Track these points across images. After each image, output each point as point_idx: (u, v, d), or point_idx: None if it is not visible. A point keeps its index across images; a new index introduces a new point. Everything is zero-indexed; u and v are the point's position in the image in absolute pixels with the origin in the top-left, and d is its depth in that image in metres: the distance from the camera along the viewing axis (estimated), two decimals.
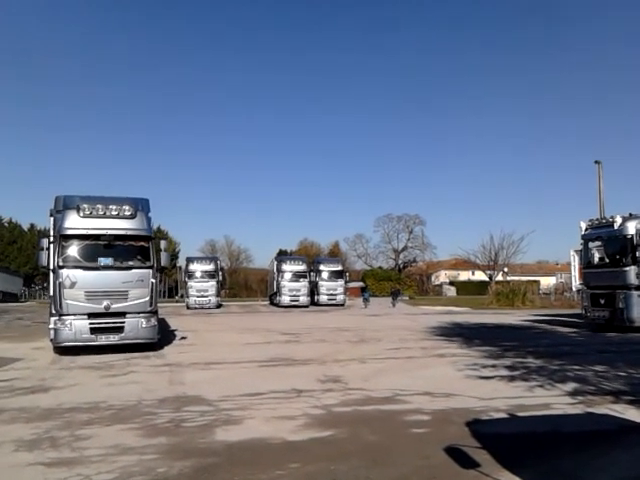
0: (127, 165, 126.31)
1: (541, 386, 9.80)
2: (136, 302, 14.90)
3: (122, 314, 14.80)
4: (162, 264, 16.16)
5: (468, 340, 17.55)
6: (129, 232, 15.23)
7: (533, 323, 25.45)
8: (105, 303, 14.57)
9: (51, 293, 15.26)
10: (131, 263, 15.28)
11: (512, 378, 10.61)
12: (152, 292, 15.17)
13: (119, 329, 14.76)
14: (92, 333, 14.49)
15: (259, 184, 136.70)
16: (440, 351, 15.12)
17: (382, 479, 5.24)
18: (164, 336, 18.57)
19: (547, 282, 71.72)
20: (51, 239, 15.29)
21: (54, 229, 15.52)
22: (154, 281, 15.33)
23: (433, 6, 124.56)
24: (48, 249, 14.99)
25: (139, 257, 15.49)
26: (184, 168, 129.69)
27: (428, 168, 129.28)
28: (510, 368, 11.82)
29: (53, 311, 14.65)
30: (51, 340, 14.75)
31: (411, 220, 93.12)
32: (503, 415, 7.71)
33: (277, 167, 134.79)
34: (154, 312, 15.44)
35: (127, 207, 15.17)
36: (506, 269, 68.92)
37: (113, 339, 14.73)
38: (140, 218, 15.38)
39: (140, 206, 15.73)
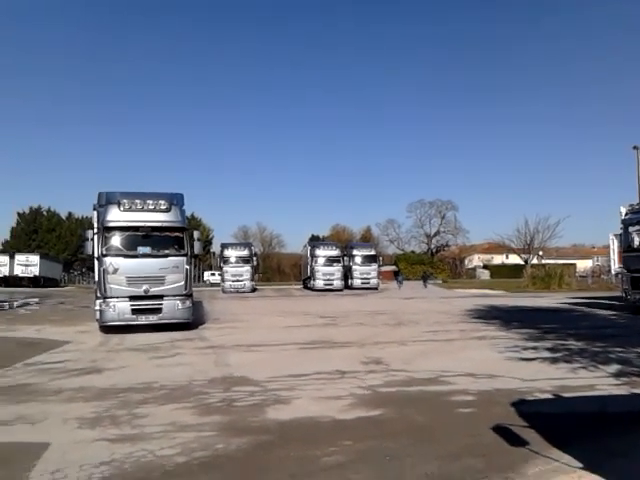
0: (161, 154, 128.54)
1: (584, 368, 9.80)
2: (172, 286, 16.34)
3: (160, 297, 16.22)
4: (195, 252, 17.46)
5: (506, 323, 17.52)
6: (165, 224, 16.55)
7: (571, 305, 25.25)
8: (144, 287, 16.03)
9: (96, 279, 16.69)
10: (167, 251, 16.59)
11: (554, 360, 10.62)
12: (187, 277, 16.67)
13: (157, 310, 16.18)
14: (133, 314, 15.98)
15: (291, 170, 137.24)
16: (479, 333, 15.16)
17: (434, 456, 5.37)
18: (202, 318, 19.43)
19: (583, 265, 70.74)
20: (95, 230, 16.58)
21: (98, 222, 16.69)
22: (188, 267, 16.77)
23: None
24: (93, 239, 16.34)
25: (175, 246, 16.71)
26: (217, 155, 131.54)
27: (462, 153, 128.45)
28: (551, 350, 11.82)
29: (98, 294, 16.08)
30: (97, 320, 16.09)
31: (443, 205, 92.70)
32: (548, 396, 7.76)
33: (308, 153, 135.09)
34: (189, 295, 16.88)
35: (163, 202, 16.55)
36: (541, 252, 68.13)
37: (152, 319, 16.13)
38: (175, 211, 16.71)
39: (175, 200, 17.01)
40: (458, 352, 12.10)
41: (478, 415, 6.85)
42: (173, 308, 16.23)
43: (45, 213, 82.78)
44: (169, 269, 16.31)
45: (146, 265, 16.22)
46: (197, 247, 17.42)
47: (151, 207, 16.41)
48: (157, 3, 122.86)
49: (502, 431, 5.89)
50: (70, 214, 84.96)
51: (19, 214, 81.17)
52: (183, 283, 16.45)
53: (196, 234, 17.67)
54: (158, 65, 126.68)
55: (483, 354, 11.71)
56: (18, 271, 56.91)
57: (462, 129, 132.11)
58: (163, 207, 16.50)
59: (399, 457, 5.37)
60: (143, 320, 16.02)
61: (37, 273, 57.55)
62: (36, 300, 32.57)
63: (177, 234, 16.82)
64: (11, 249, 66.89)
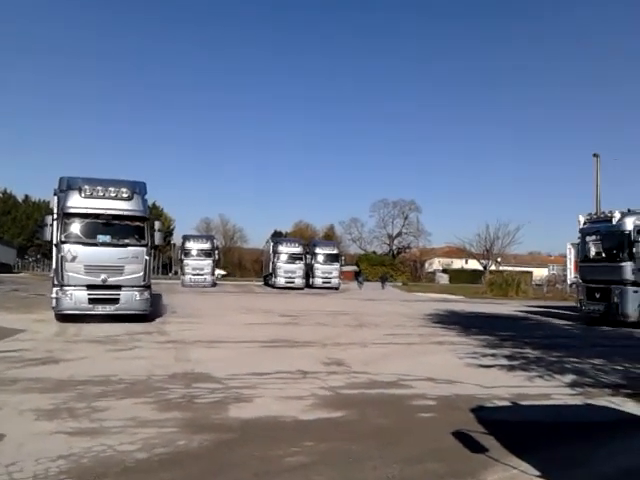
0: (125, 138, 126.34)
1: (541, 376, 10.01)
2: (131, 276, 16.24)
3: (118, 287, 16.11)
4: (155, 243, 17.38)
5: (465, 328, 17.76)
6: (126, 212, 16.38)
7: (528, 314, 25.72)
8: (102, 276, 15.90)
9: (54, 266, 16.37)
10: (127, 241, 16.46)
11: (512, 367, 10.83)
12: (146, 268, 16.62)
13: (115, 300, 16.07)
14: (90, 303, 15.84)
15: (255, 163, 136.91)
16: (438, 338, 15.34)
17: (395, 459, 5.42)
18: (161, 311, 19.40)
19: (540, 273, 72.11)
20: (54, 216, 16.29)
21: (58, 207, 16.44)
22: (148, 258, 16.79)
23: None
24: (52, 225, 16.08)
25: (135, 236, 16.61)
26: (181, 144, 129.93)
27: (426, 154, 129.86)
28: (509, 358, 12.04)
29: (55, 282, 15.87)
30: (53, 308, 15.93)
31: (406, 206, 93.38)
32: (506, 403, 7.91)
33: (274, 147, 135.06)
34: (147, 286, 16.78)
35: (125, 189, 16.36)
36: (499, 259, 69.40)
37: (109, 309, 16.02)
38: (136, 200, 16.53)
39: (137, 189, 16.83)
40: (418, 356, 12.22)
41: (438, 420, 6.95)
42: (131, 299, 16.14)
43: (1, 195, 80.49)
44: (128, 259, 16.22)
45: (105, 254, 16.10)
46: (158, 238, 17.25)
47: (113, 195, 16.19)
48: None
49: (462, 437, 5.97)
50: (27, 197, 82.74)
51: None
52: (142, 274, 16.39)
53: (157, 224, 17.46)
54: (122, 44, 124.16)
55: (443, 359, 11.87)
56: None
57: (431, 129, 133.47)
58: (125, 195, 16.32)
59: (361, 459, 5.40)
60: (100, 310, 15.91)
61: None
62: None
63: (138, 223, 16.70)
64: None
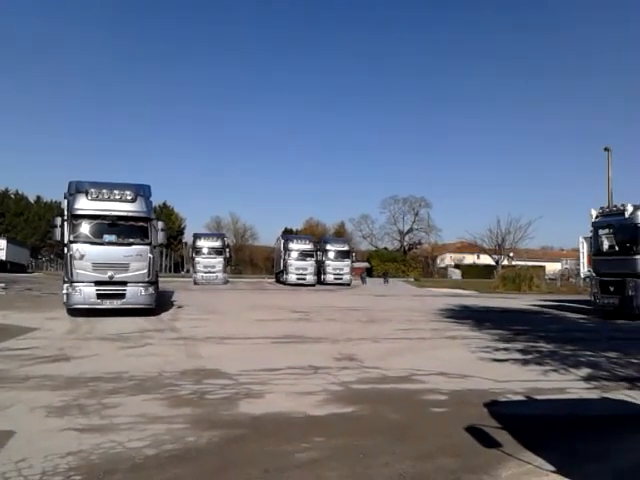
0: (135, 138, 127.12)
1: (555, 370, 9.88)
2: (136, 273, 17.28)
3: (124, 283, 17.19)
4: (159, 241, 18.40)
5: (478, 323, 17.64)
6: (130, 214, 17.34)
7: (541, 308, 25.57)
8: (109, 273, 16.96)
9: (64, 264, 17.41)
10: (132, 240, 17.36)
11: (525, 362, 10.70)
12: (150, 265, 17.54)
13: (121, 295, 17.16)
14: (98, 298, 16.91)
15: (265, 161, 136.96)
16: (451, 333, 15.23)
17: (407, 455, 5.34)
18: (173, 308, 19.41)
19: (552, 268, 71.75)
20: (65, 218, 17.18)
21: (67, 209, 17.31)
22: (152, 256, 17.71)
23: None
24: (62, 226, 16.99)
25: (139, 235, 17.51)
26: (193, 143, 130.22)
27: (436, 150, 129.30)
28: (523, 352, 11.91)
29: (66, 279, 16.76)
30: (64, 303, 16.73)
31: (417, 202, 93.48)
32: (520, 397, 7.79)
33: (283, 145, 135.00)
34: (152, 282, 17.83)
35: (129, 192, 17.49)
36: (511, 254, 69.14)
37: (116, 303, 17.08)
38: (140, 202, 17.46)
39: (141, 191, 17.79)
40: (430, 351, 12.14)
41: (451, 415, 6.85)
42: (136, 294, 17.15)
43: (13, 196, 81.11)
44: (133, 257, 17.21)
45: (111, 252, 17.10)
46: (161, 237, 18.24)
47: (117, 197, 17.23)
48: None
49: (475, 432, 5.88)
50: (39, 198, 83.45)
51: None
52: (146, 271, 17.32)
53: (160, 224, 18.36)
54: (133, 44, 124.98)
55: (455, 353, 11.77)
56: None
57: (439, 124, 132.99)
58: (129, 197, 17.32)
59: (373, 455, 5.32)
60: (107, 304, 16.92)
61: (3, 258, 56.32)
62: (2, 285, 31.89)
63: (142, 224, 17.64)
64: None
